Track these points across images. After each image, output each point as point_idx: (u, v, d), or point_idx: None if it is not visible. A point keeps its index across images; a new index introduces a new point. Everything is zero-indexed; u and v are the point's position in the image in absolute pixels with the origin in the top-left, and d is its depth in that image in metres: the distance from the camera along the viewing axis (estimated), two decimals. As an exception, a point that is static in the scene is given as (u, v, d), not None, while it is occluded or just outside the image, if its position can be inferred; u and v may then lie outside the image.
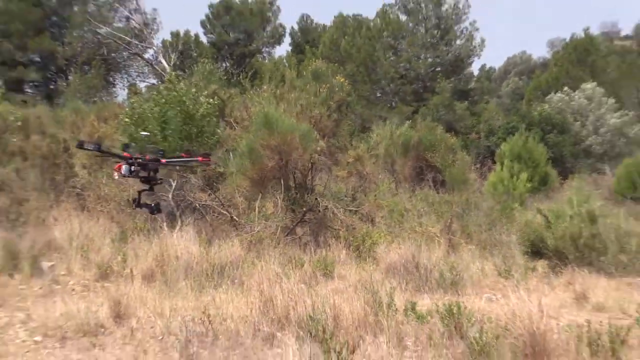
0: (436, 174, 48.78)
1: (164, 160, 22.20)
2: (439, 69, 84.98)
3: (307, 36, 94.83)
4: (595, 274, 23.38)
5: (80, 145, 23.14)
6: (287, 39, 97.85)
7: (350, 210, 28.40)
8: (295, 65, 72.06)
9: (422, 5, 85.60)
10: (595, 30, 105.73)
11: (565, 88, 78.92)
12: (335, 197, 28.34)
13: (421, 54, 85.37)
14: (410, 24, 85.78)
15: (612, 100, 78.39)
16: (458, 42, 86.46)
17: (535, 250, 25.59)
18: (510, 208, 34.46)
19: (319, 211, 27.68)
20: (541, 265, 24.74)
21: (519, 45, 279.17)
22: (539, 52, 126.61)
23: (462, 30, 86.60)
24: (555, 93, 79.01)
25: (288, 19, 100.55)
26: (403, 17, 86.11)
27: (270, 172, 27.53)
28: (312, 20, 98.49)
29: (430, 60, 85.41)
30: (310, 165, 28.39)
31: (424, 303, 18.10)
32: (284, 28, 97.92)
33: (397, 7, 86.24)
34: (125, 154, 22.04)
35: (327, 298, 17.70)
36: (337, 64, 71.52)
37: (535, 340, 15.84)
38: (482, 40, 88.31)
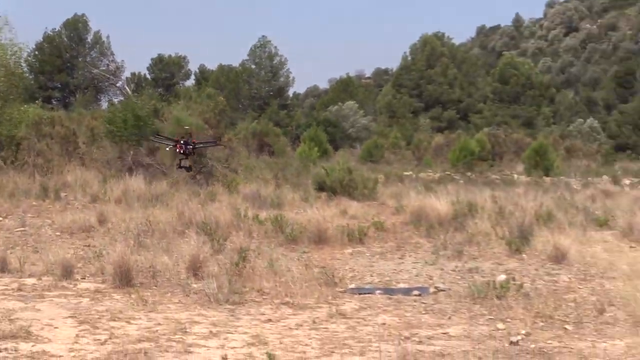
0: (270, 148, 48.87)
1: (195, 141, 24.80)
2: (271, 93, 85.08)
3: (204, 75, 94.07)
4: (352, 200, 23.50)
5: (155, 134, 25.14)
6: (193, 77, 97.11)
7: (225, 167, 28.26)
8: (197, 90, 71.74)
9: (263, 59, 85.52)
10: (352, 73, 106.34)
11: (339, 103, 79.44)
12: (217, 159, 28.18)
13: (262, 85, 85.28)
14: (257, 69, 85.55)
15: (361, 111, 79.16)
16: (281, 79, 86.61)
17: (321, 187, 25.62)
18: (308, 166, 34.58)
19: (209, 167, 27.52)
20: (323, 195, 24.79)
21: (312, 80, 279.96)
22: (323, 84, 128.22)
23: (283, 73, 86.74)
24: (333, 106, 79.49)
25: (193, 65, 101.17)
26: (253, 66, 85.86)
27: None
28: (206, 67, 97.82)
29: (267, 89, 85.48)
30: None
31: (263, 214, 18.06)
32: (191, 70, 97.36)
33: (250, 60, 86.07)
34: (195, 139, 25.34)
35: (212, 212, 17.62)
36: (219, 90, 71.11)
37: (320, 233, 15.89)
38: (294, 78, 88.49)
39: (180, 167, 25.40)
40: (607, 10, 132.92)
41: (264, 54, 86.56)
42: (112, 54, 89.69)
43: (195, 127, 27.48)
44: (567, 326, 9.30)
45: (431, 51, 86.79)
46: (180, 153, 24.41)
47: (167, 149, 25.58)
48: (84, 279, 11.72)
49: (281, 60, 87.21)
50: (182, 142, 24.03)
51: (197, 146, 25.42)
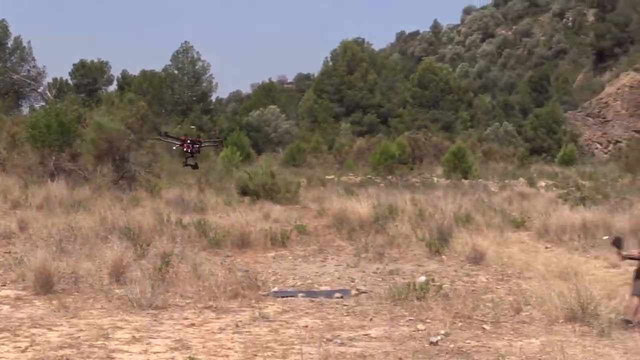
0: (193, 152, 48.64)
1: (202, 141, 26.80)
2: (194, 98, 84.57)
3: (126, 80, 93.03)
4: (274, 204, 23.54)
5: (163, 134, 28.63)
6: (115, 82, 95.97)
7: (148, 172, 28.05)
8: (119, 95, 70.91)
9: (185, 65, 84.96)
10: (274, 79, 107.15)
11: (261, 108, 79.46)
12: (140, 164, 27.94)
13: (185, 90, 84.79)
14: (179, 75, 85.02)
15: (283, 115, 79.36)
16: (204, 84, 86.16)
17: (244, 191, 25.62)
18: (231, 170, 34.47)
19: (132, 172, 27.28)
20: (246, 199, 24.78)
21: (235, 85, 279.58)
22: (245, 89, 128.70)
23: (206, 78, 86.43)
24: (255, 111, 79.47)
25: (116, 70, 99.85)
26: (176, 71, 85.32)
27: (104, 151, 26.97)
28: (128, 72, 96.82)
29: (190, 94, 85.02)
30: (126, 147, 27.88)
31: (187, 219, 17.96)
32: (113, 76, 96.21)
33: (172, 66, 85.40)
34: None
35: (135, 217, 17.47)
36: (142, 95, 70.36)
37: (243, 237, 15.86)
38: (217, 84, 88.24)
39: (186, 165, 26.71)
40: (522, 17, 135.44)
41: (186, 60, 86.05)
42: (33, 59, 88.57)
43: (118, 131, 27.28)
44: (485, 326, 9.43)
45: (352, 57, 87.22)
46: (187, 152, 25.34)
47: (174, 148, 26.66)
48: (5, 286, 11.46)
49: (204, 66, 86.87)
50: (189, 141, 24.94)
51: (203, 145, 26.97)
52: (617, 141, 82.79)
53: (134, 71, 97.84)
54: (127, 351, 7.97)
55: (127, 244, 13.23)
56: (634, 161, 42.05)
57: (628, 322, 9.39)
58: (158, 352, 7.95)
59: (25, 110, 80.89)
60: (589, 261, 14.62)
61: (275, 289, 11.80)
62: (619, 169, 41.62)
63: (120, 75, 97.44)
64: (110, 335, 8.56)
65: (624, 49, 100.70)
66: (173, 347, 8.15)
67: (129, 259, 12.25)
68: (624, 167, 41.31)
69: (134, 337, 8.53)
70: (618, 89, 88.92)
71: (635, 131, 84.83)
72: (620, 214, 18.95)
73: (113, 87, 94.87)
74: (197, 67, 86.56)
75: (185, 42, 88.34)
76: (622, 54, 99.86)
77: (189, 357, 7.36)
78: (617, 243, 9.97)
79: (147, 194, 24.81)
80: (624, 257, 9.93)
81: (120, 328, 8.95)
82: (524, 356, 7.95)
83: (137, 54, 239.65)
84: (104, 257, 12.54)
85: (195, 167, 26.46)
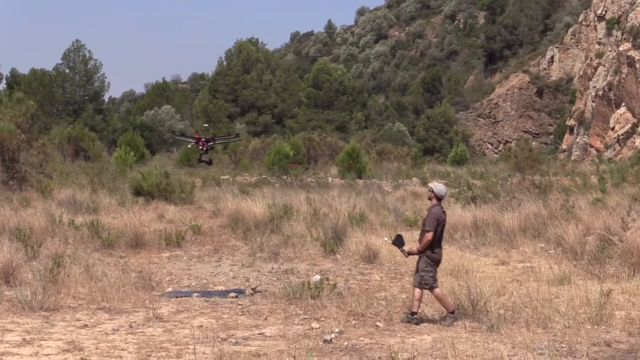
0: (85, 152, 47.91)
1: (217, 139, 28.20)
2: (86, 98, 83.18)
3: (15, 79, 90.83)
4: (169, 204, 23.38)
5: (176, 134, 27.83)
6: (4, 81, 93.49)
7: (39, 172, 27.52)
8: (8, 95, 69.13)
9: (77, 64, 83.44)
10: (168, 78, 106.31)
11: (155, 108, 78.78)
12: (31, 165, 27.38)
13: (77, 90, 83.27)
14: (71, 74, 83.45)
15: (178, 115, 78.94)
16: (96, 83, 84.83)
17: (138, 192, 25.36)
18: (124, 170, 34.02)
19: (22, 172, 26.74)
20: (141, 199, 24.54)
21: (129, 85, 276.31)
22: (139, 89, 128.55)
23: (98, 77, 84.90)
24: (149, 111, 78.75)
25: (5, 68, 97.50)
26: (67, 70, 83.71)
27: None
28: (18, 70, 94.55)
29: (82, 93, 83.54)
30: (16, 147, 27.27)
31: (79, 220, 17.72)
32: (2, 74, 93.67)
33: (64, 64, 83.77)
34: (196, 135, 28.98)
35: (26, 218, 17.15)
36: (32, 94, 68.78)
37: (137, 238, 15.74)
38: (109, 83, 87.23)
39: (201, 161, 28.31)
40: (414, 18, 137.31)
41: (78, 58, 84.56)
42: None
43: (8, 130, 26.70)
44: (378, 323, 9.58)
45: (246, 57, 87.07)
46: (201, 149, 26.12)
47: (189, 145, 28.02)
48: None
49: (96, 65, 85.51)
50: (203, 139, 25.80)
51: (217, 142, 28.82)
52: (507, 141, 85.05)
53: (24, 70, 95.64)
54: (17, 354, 7.84)
55: (17, 245, 13.03)
56: (523, 161, 43.11)
57: (413, 313, 9.67)
58: (49, 354, 7.84)
59: None
60: (479, 259, 14.98)
61: (170, 289, 11.76)
62: (509, 168, 42.43)
63: (9, 74, 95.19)
64: (-1, 338, 8.42)
65: (513, 51, 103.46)
66: (65, 348, 8.05)
67: (20, 260, 12.03)
68: (513, 167, 42.14)
69: (24, 339, 8.39)
70: (508, 90, 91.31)
71: (524, 131, 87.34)
72: (509, 212, 19.37)
73: (2, 86, 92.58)
74: (89, 65, 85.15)
75: (77, 40, 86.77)
76: (511, 56, 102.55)
77: (82, 359, 7.28)
78: (398, 242, 10.17)
79: (39, 195, 24.36)
80: (407, 254, 10.15)
81: (10, 330, 8.80)
82: (416, 352, 8.10)
83: (27, 52, 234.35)
84: (-7, 259, 12.28)
85: (209, 163, 27.25)
